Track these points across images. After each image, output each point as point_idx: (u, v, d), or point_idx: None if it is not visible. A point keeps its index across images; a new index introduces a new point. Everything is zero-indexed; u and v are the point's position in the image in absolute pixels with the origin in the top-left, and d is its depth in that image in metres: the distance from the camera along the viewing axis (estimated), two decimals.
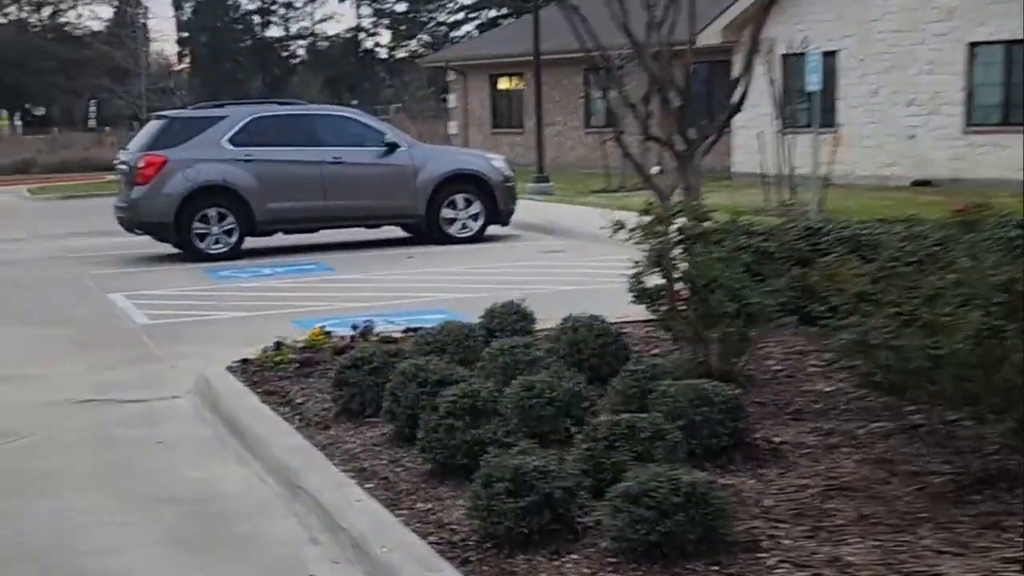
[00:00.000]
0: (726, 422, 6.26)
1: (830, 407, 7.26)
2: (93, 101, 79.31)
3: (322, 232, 18.31)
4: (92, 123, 74.27)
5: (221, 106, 18.40)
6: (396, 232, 18.87)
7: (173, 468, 7.24)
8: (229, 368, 9.12)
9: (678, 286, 7.65)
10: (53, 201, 32.55)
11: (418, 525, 5.65)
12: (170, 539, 6.02)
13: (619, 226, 7.77)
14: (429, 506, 5.89)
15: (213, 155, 17.05)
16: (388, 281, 14.62)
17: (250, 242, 17.55)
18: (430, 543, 5.41)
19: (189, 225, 16.94)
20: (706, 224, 7.26)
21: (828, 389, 7.62)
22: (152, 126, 17.71)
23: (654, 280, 7.74)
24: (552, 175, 27.87)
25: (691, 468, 5.40)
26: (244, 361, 9.22)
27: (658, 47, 8.99)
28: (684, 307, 7.59)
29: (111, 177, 41.21)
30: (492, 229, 18.53)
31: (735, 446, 6.32)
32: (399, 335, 9.63)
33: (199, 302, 13.49)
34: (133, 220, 17.19)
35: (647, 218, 7.84)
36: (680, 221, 7.50)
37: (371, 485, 6.26)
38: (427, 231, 18.21)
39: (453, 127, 40.81)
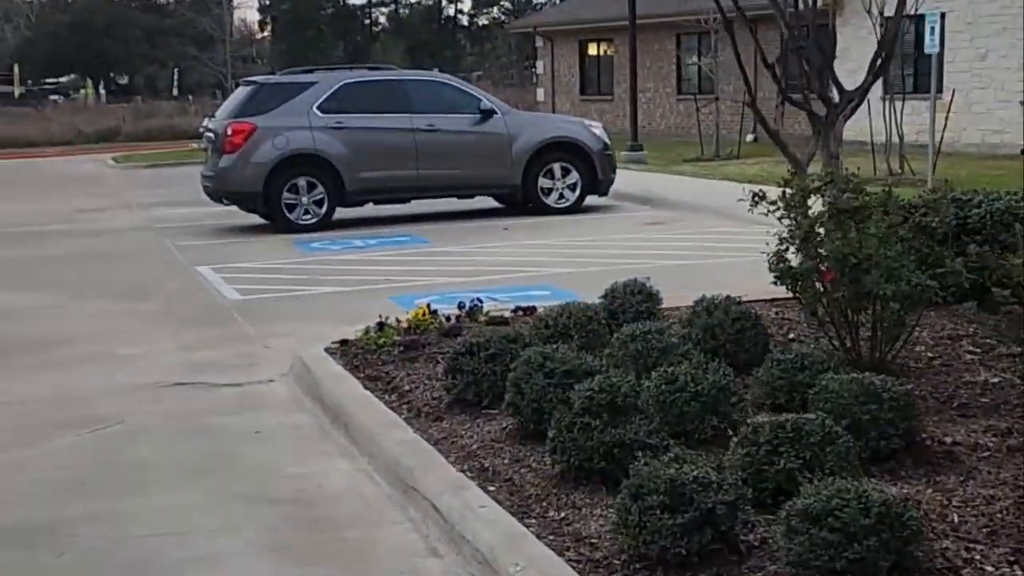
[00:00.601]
0: (896, 422, 5.52)
1: (1000, 401, 6.47)
2: (176, 70, 79.59)
3: (413, 202, 17.66)
4: (175, 92, 74.47)
5: (311, 72, 17.79)
6: (488, 202, 18.20)
7: (272, 462, 6.63)
8: (327, 350, 8.51)
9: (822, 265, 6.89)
10: (138, 170, 32.28)
11: (552, 538, 4.99)
12: (273, 547, 5.41)
13: (759, 198, 7.01)
14: (563, 515, 5.23)
15: (303, 122, 16.46)
16: (486, 254, 13.96)
17: (339, 212, 16.95)
18: (568, 561, 4.76)
19: (278, 195, 16.38)
20: (864, 197, 6.47)
21: (994, 380, 6.83)
22: (240, 93, 17.16)
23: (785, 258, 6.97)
24: (643, 143, 27.03)
25: (872, 480, 4.68)
26: (343, 342, 8.60)
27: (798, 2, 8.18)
28: (832, 289, 6.83)
29: (195, 145, 41.07)
30: (589, 199, 17.79)
31: (905, 448, 5.58)
32: (508, 315, 8.95)
33: (290, 276, 12.92)
34: (220, 190, 16.67)
35: (788, 190, 7.06)
36: (829, 193, 6.73)
37: (494, 488, 5.60)
38: (522, 201, 17.53)
39: (540, 94, 40.01)
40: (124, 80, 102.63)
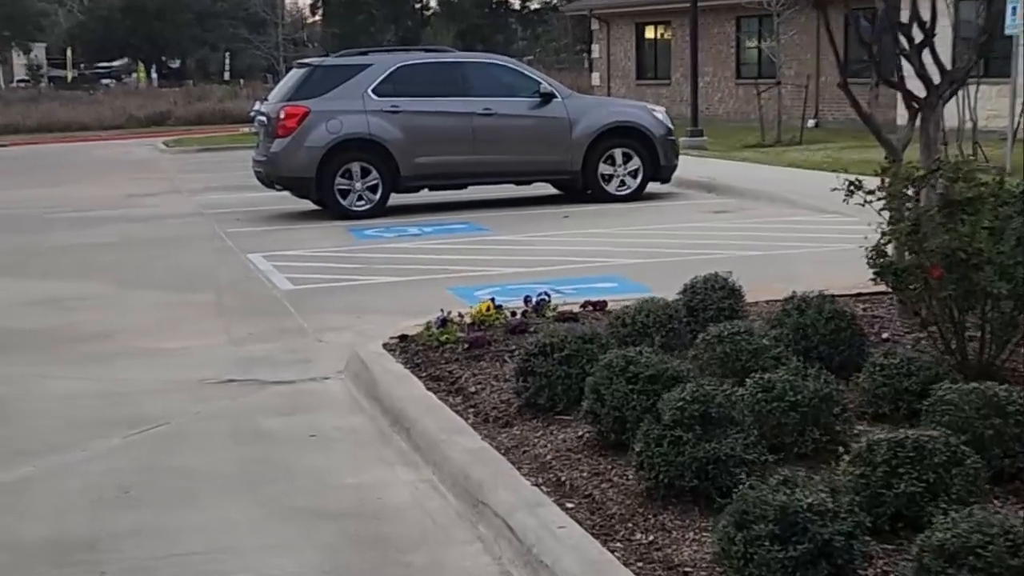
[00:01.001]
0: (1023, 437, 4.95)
1: None
2: (227, 53, 79.48)
3: (469, 189, 17.14)
4: (226, 75, 74.38)
5: (365, 54, 17.30)
6: (545, 189, 17.65)
7: (330, 471, 6.15)
8: (386, 346, 8.03)
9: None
10: (189, 154, 32.00)
11: (640, 565, 4.49)
12: (333, 571, 4.92)
13: (855, 187, 6.44)
14: (651, 538, 4.71)
15: (357, 106, 15.99)
16: (547, 243, 13.44)
17: (393, 199, 16.47)
18: None
19: (331, 180, 15.93)
20: (979, 188, 5.89)
21: None
22: (293, 75, 16.71)
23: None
24: (702, 128, 26.40)
25: (997, 503, 4.14)
26: (403, 338, 8.12)
27: None
28: (938, 287, 6.25)
29: (245, 129, 40.71)
30: (651, 187, 17.21)
31: None
32: (577, 310, 8.42)
33: (344, 265, 12.45)
34: (272, 175, 16.23)
35: (887, 179, 6.49)
36: (939, 183, 6.15)
37: (572, 505, 5.10)
38: (582, 188, 16.98)
39: (595, 78, 39.37)
40: (175, 64, 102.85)
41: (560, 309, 8.34)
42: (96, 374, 8.27)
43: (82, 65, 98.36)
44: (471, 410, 6.57)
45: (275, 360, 8.49)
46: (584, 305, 8.46)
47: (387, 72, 16.21)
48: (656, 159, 16.88)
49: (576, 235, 13.98)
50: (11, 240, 15.54)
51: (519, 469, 5.58)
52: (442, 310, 8.25)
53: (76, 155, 33.15)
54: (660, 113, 17.33)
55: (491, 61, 17.58)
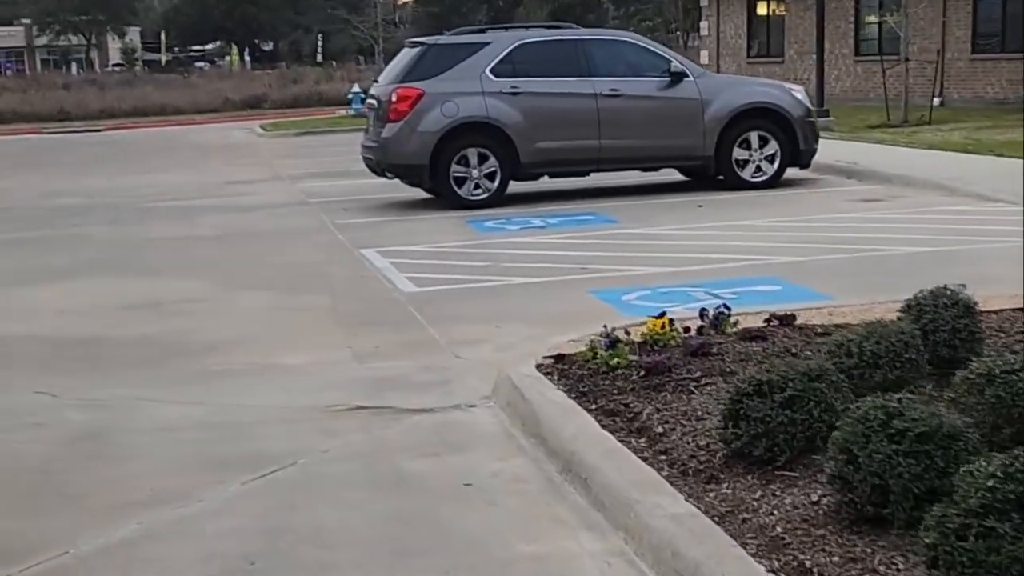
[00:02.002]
0: None
1: None
2: (320, 35, 78.96)
3: (589, 176, 15.91)
4: (319, 57, 73.88)
5: (483, 31, 16.13)
6: (670, 176, 16.37)
7: (495, 535, 5.00)
8: (541, 368, 6.87)
9: None
10: (287, 138, 31.20)
11: None
12: None
13: None
14: None
15: (474, 87, 14.85)
16: (686, 237, 12.20)
17: (510, 187, 15.31)
18: None
19: (447, 168, 14.81)
20: None
21: None
22: (406, 55, 15.58)
23: None
24: (827, 108, 24.91)
25: None
26: (559, 358, 6.95)
27: None
28: None
29: (342, 112, 40.02)
30: (788, 172, 15.86)
31: None
32: (760, 325, 7.20)
33: (468, 263, 11.31)
34: (383, 161, 15.14)
35: None
36: None
37: None
38: (713, 175, 15.69)
39: (704, 56, 37.89)
40: (268, 47, 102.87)
41: (742, 326, 7.11)
42: (205, 397, 7.21)
43: (176, 49, 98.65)
44: (662, 458, 5.38)
45: (408, 381, 7.36)
46: (768, 320, 7.23)
47: (506, 50, 15.04)
48: (795, 143, 15.55)
49: (716, 227, 12.72)
50: (111, 232, 14.64)
51: (744, 546, 4.39)
52: (605, 326, 7.07)
53: (172, 140, 32.48)
54: (799, 93, 15.98)
55: (617, 38, 16.30)
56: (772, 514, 4.66)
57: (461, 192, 14.89)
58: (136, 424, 6.71)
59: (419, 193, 15.93)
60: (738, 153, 15.47)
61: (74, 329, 9.26)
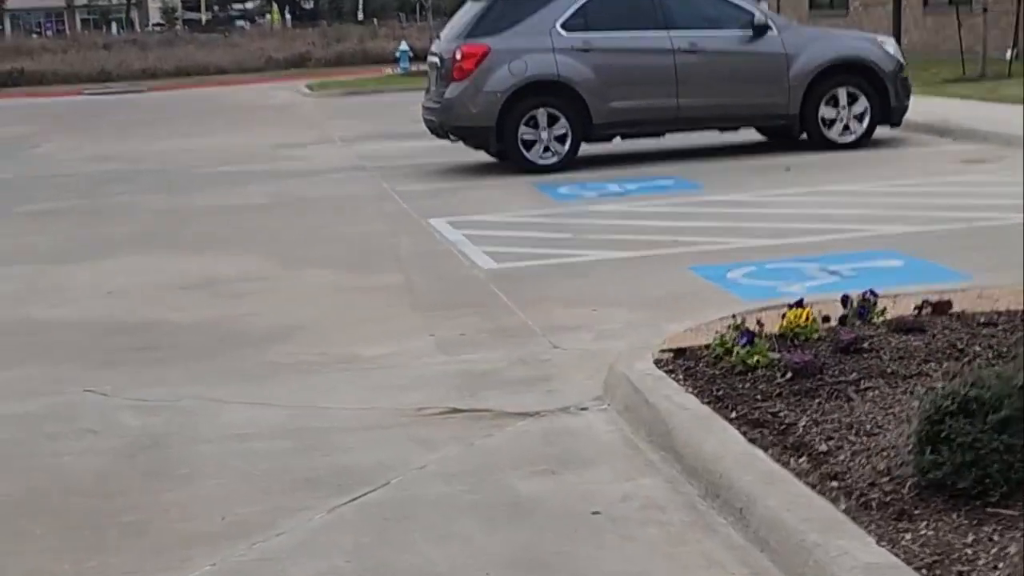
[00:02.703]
0: None
1: None
2: None
3: (663, 137, 14.94)
4: (360, 15, 72.90)
5: None
6: (748, 135, 15.34)
7: None
8: (660, 364, 5.96)
9: None
10: (335, 98, 30.33)
11: None
12: None
13: None
14: None
15: (544, 43, 13.90)
16: (781, 204, 11.25)
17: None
18: None
19: (515, 130, 13.89)
20: None
21: None
22: (470, 9, 14.60)
23: None
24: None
25: None
26: (679, 352, 6.06)
27: None
28: None
29: (388, 71, 39.06)
30: (877, 131, 14.83)
31: None
32: (912, 313, 6.26)
33: (549, 234, 10.41)
34: (447, 123, 14.23)
35: None
36: None
37: None
38: (797, 134, 14.68)
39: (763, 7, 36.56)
40: (309, 4, 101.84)
41: (891, 314, 6.18)
42: (275, 396, 6.36)
43: (215, 7, 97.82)
44: (834, 485, 4.47)
45: (504, 377, 6.49)
46: (920, 307, 6.28)
47: (578, 4, 14.07)
48: (886, 99, 14.51)
49: (810, 193, 11.76)
50: (160, 201, 13.83)
51: None
52: (734, 316, 6.17)
53: (217, 100, 31.68)
54: (891, 46, 14.93)
55: None
56: (996, 567, 3.75)
57: (530, 156, 13.98)
58: (200, 430, 5.88)
59: (482, 156, 15.03)
60: (825, 111, 14.45)
61: (124, 313, 8.44)
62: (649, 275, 8.65)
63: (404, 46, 36.40)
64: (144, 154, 19.19)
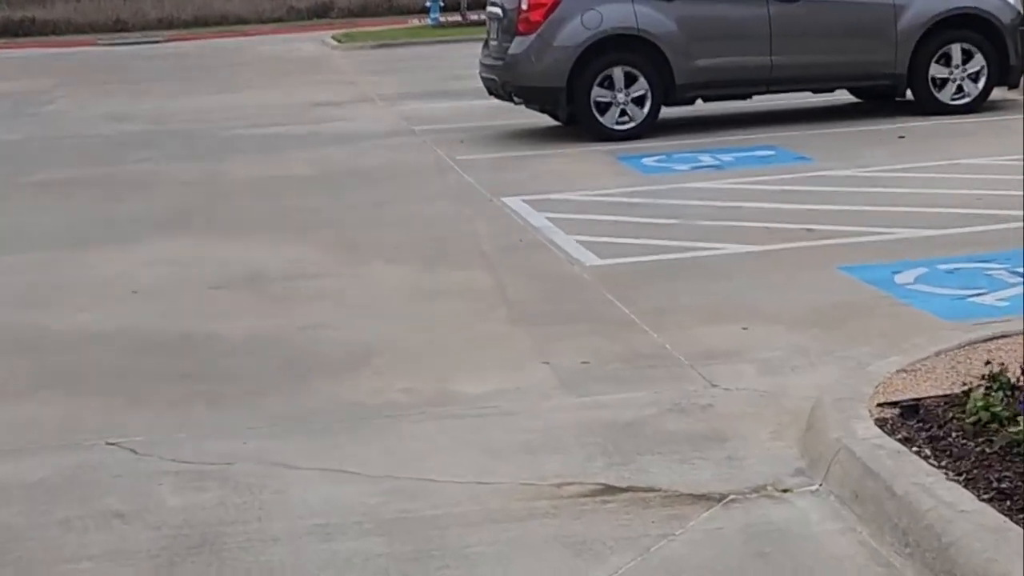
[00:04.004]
0: None
1: None
2: None
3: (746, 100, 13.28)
4: None
5: None
6: (837, 96, 13.64)
7: None
8: (884, 426, 4.40)
9: None
10: (365, 51, 28.62)
11: None
12: None
13: None
14: None
15: None
16: (915, 182, 9.67)
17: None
18: None
19: (587, 91, 12.24)
20: None
21: None
22: None
23: None
24: None
25: None
26: (908, 409, 4.49)
27: None
28: None
29: (416, 21, 37.28)
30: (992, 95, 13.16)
31: None
32: None
33: (648, 219, 8.83)
34: (510, 83, 12.58)
35: None
36: None
37: None
38: (900, 95, 13.02)
39: None
40: None
41: None
42: (361, 458, 4.83)
43: None
44: None
45: (659, 431, 4.94)
46: None
47: None
48: (1004, 57, 12.80)
49: (943, 167, 10.18)
50: (186, 170, 12.25)
51: None
52: (991, 364, 4.57)
53: (240, 53, 29.97)
54: None
55: None
56: None
57: (604, 120, 12.34)
58: (273, 520, 4.34)
59: (545, 119, 13.40)
60: (935, 70, 12.76)
61: (155, 321, 6.90)
62: (792, 277, 7.09)
63: None
64: (166, 113, 17.58)
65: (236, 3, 45.44)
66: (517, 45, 12.33)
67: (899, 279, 6.85)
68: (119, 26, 41.58)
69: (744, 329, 6.13)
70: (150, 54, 31.68)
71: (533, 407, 5.27)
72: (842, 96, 13.69)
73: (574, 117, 12.56)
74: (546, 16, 12.15)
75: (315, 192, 10.67)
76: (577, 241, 8.18)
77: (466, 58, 22.84)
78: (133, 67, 27.35)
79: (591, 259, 7.71)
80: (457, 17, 33.98)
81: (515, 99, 12.74)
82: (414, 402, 5.40)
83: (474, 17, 34.27)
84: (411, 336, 6.36)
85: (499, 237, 8.55)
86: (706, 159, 11.16)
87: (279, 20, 42.65)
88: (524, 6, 12.23)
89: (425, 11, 35.64)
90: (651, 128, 12.43)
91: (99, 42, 37.75)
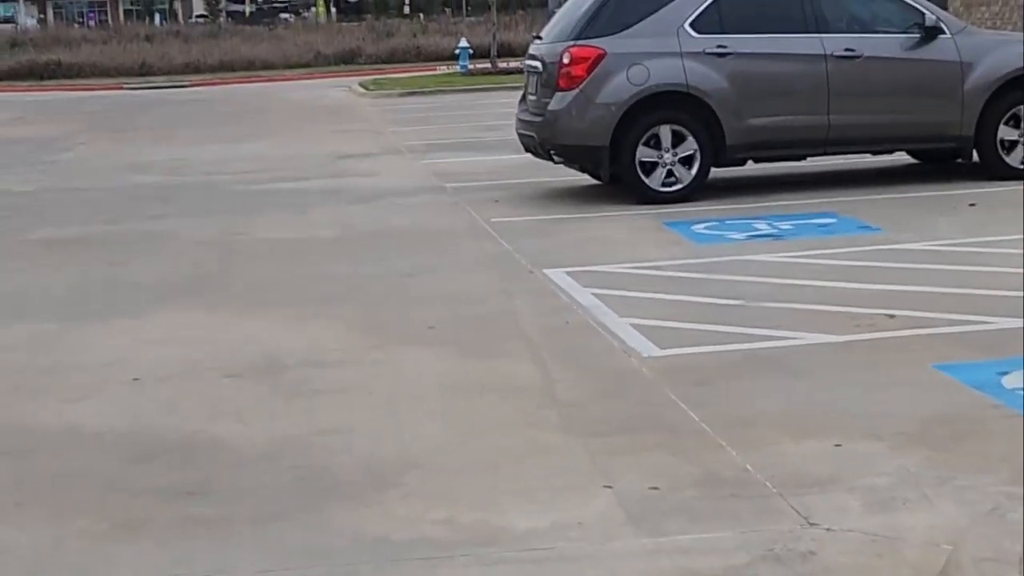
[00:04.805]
0: None
1: None
2: None
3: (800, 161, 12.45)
4: (406, 9, 70.81)
5: None
6: (894, 158, 12.80)
7: None
8: None
9: None
10: (392, 99, 27.99)
11: None
12: None
13: None
14: None
15: (670, 46, 11.46)
16: (1002, 260, 8.74)
17: None
18: None
19: (632, 150, 11.44)
20: None
21: None
22: (580, 4, 12.08)
23: None
24: None
25: None
26: None
27: None
28: None
29: (443, 68, 36.67)
30: None
31: None
32: None
33: (707, 298, 7.96)
34: (549, 141, 11.79)
35: None
36: None
37: None
38: (966, 159, 12.18)
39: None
40: None
41: None
42: None
43: None
44: None
45: None
46: None
47: None
48: None
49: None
50: (200, 229, 11.46)
51: None
52: None
53: (265, 98, 29.43)
54: None
55: None
56: None
57: (649, 182, 11.53)
58: None
59: (584, 177, 12.61)
60: (1004, 132, 11.92)
61: (156, 417, 6.06)
62: (882, 376, 6.20)
63: (464, 43, 33.95)
64: (185, 162, 16.89)
65: (263, 48, 45.06)
66: (558, 101, 11.54)
67: (1008, 382, 5.97)
68: (145, 70, 41.17)
69: (837, 446, 5.25)
70: (175, 99, 31.22)
71: (598, 551, 4.39)
72: (899, 157, 12.85)
73: (617, 177, 11.74)
74: (589, 71, 11.36)
75: (338, 258, 9.85)
76: (631, 325, 7.32)
77: (497, 107, 22.20)
78: (156, 112, 26.82)
79: (649, 348, 6.83)
80: (487, 64, 33.33)
81: (554, 158, 11.95)
82: (453, 538, 4.52)
83: (503, 64, 33.68)
84: (446, 446, 5.49)
85: (543, 317, 7.70)
86: (762, 227, 10.31)
87: (306, 65, 42.23)
88: (566, 60, 11.45)
89: (454, 58, 35.09)
90: (699, 190, 11.59)
91: (124, 86, 37.33)
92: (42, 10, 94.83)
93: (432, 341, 7.20)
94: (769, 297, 7.88)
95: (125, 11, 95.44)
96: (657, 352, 6.77)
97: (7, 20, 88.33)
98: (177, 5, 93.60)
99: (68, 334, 7.75)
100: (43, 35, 55.71)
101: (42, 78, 39.99)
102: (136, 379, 6.69)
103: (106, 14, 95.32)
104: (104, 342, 7.52)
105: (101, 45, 47.71)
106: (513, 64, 34.19)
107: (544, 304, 8.01)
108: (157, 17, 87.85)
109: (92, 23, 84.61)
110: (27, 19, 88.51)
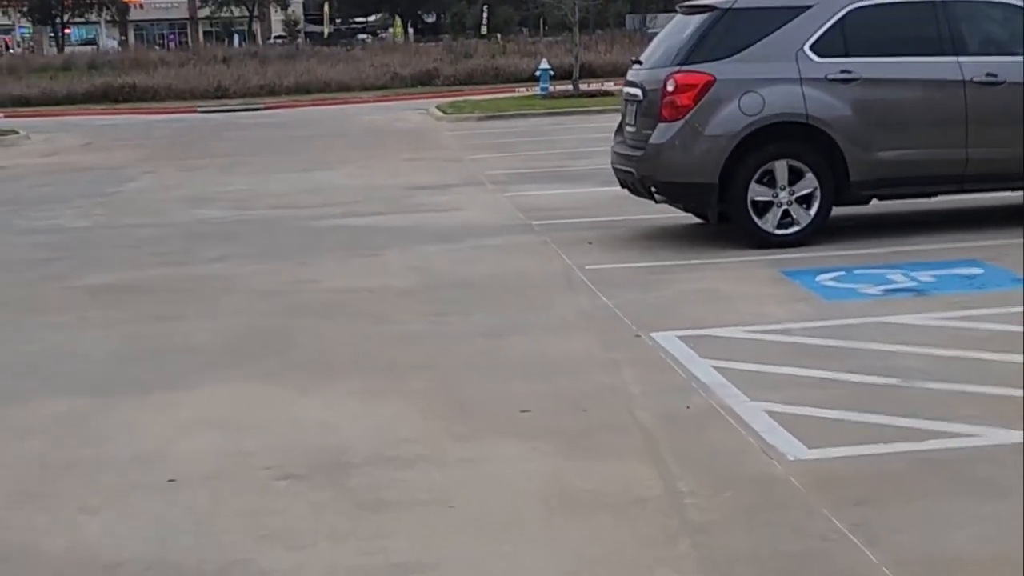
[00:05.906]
0: None
1: None
2: (486, 6, 74.86)
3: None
4: (483, 29, 70.12)
5: None
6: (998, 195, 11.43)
7: None
8: None
9: None
10: (472, 122, 26.92)
11: None
12: None
13: None
14: None
15: (787, 72, 10.19)
16: None
17: None
18: None
19: (744, 188, 10.19)
20: None
21: None
22: (682, 25, 10.88)
23: None
24: None
25: None
26: None
27: None
28: None
29: (523, 90, 35.54)
30: None
31: None
32: None
33: (854, 376, 6.67)
34: (650, 177, 10.56)
35: None
36: None
37: None
38: None
39: None
40: (431, 18, 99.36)
41: None
42: None
43: (338, 20, 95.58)
44: None
45: None
46: None
47: (835, 18, 10.33)
48: None
49: None
50: (262, 277, 10.34)
51: None
52: None
53: (340, 122, 28.49)
54: None
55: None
56: None
57: (762, 224, 10.25)
58: None
59: (686, 215, 11.37)
60: None
61: (189, 540, 4.92)
62: None
63: (544, 64, 32.82)
64: (252, 195, 15.88)
65: (339, 70, 44.32)
66: (660, 133, 10.31)
67: None
68: (220, 92, 40.60)
69: None
70: (247, 122, 30.47)
71: None
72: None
73: (726, 217, 10.47)
74: (696, 100, 10.12)
75: (414, 313, 8.67)
76: (766, 412, 6.05)
77: (582, 133, 21.05)
78: (227, 137, 26.02)
79: (794, 448, 5.56)
80: (568, 86, 32.17)
81: (656, 196, 10.69)
82: None
83: (584, 86, 32.50)
84: None
85: (657, 397, 6.45)
86: (898, 278, 8.99)
87: (383, 87, 41.45)
88: (670, 87, 10.22)
89: (533, 79, 34.00)
90: (818, 233, 10.30)
91: (198, 108, 36.70)
92: (123, 32, 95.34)
93: (527, 431, 5.98)
94: (927, 374, 6.58)
95: (204, 32, 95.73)
96: (804, 453, 5.50)
97: (88, 42, 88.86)
98: (256, 26, 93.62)
99: (99, 414, 6.64)
100: (121, 57, 55.53)
101: (116, 101, 39.50)
102: (171, 480, 5.53)
103: (186, 36, 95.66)
104: (137, 427, 6.40)
105: (178, 68, 47.28)
106: (595, 86, 33.03)
107: (657, 380, 6.76)
108: (236, 38, 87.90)
109: (172, 45, 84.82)
110: (108, 41, 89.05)
